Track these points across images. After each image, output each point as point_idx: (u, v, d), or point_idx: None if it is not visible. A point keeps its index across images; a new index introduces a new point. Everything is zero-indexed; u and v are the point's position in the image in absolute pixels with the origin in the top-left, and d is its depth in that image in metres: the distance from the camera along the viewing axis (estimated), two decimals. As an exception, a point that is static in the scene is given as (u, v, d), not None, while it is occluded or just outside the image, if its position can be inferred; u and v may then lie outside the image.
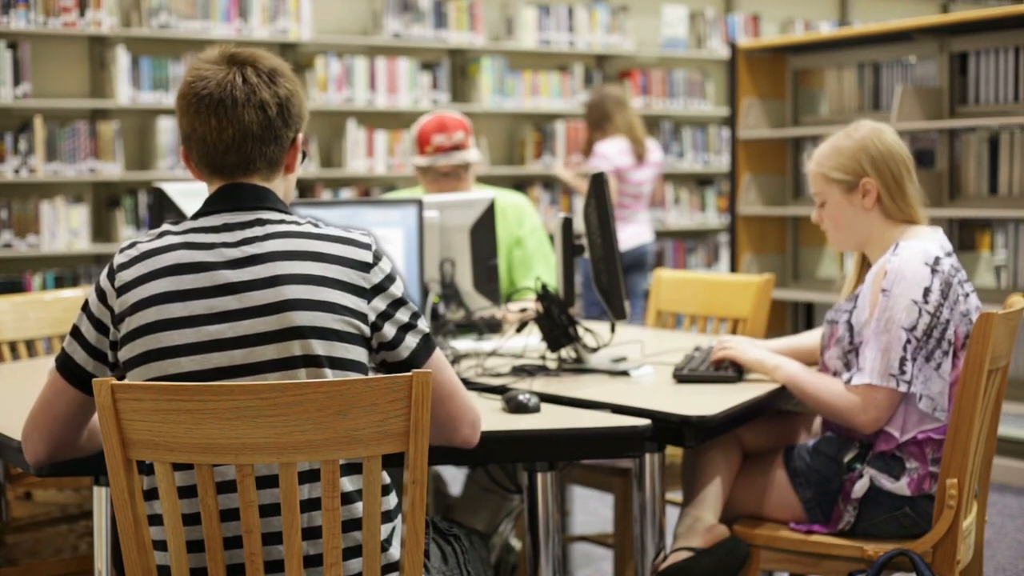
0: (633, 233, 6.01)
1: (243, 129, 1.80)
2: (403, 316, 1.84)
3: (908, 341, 2.36)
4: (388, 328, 1.82)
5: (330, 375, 1.75)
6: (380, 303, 1.81)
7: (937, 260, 2.40)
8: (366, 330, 1.80)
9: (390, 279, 1.83)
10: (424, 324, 1.87)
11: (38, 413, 1.85)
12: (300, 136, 1.89)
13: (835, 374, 2.50)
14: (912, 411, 2.40)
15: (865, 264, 2.59)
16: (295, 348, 1.73)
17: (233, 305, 1.74)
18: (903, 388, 2.36)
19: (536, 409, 2.24)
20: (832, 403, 2.42)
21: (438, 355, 1.87)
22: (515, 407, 2.23)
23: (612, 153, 5.93)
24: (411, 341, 1.84)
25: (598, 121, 6.06)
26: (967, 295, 2.43)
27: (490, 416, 2.20)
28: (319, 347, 1.74)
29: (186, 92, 1.82)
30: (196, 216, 1.84)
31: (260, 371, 1.73)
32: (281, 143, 1.84)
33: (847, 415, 2.40)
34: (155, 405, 1.61)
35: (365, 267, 1.81)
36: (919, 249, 2.41)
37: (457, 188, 3.56)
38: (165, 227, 1.83)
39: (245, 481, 1.62)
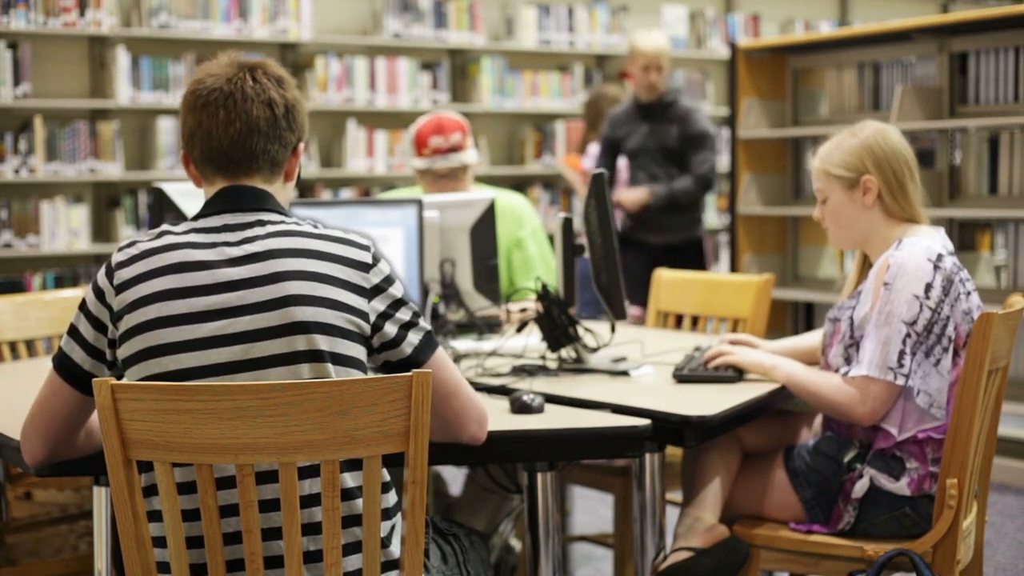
0: None
1: (250, 123, 1.82)
2: (404, 315, 1.85)
3: (908, 335, 2.36)
4: (389, 327, 1.83)
5: (332, 371, 1.75)
6: (380, 304, 1.82)
7: (940, 257, 2.41)
8: (366, 328, 1.80)
9: (389, 281, 1.84)
10: (425, 323, 1.88)
11: (36, 413, 1.85)
12: (301, 146, 1.91)
13: (837, 371, 2.50)
14: (911, 409, 2.40)
15: (866, 264, 2.60)
16: (299, 343, 1.74)
17: (234, 302, 1.75)
18: (900, 381, 2.36)
19: (540, 409, 2.24)
20: (830, 397, 2.42)
21: (440, 353, 1.88)
22: (519, 408, 2.23)
23: None
24: (413, 338, 1.85)
25: (593, 121, 6.05)
26: (969, 293, 2.44)
27: (491, 416, 2.19)
28: (323, 342, 1.75)
29: (194, 89, 1.84)
30: (196, 217, 1.86)
31: (261, 367, 1.74)
32: (284, 145, 1.86)
33: (845, 408, 2.40)
34: (155, 405, 1.61)
35: (364, 267, 1.82)
36: (923, 245, 2.42)
37: (455, 189, 3.56)
38: (165, 227, 1.84)
39: (245, 481, 1.62)
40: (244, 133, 1.82)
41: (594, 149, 5.97)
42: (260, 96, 1.83)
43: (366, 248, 1.84)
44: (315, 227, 1.85)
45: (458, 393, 1.88)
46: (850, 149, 2.51)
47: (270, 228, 1.82)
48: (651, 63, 5.39)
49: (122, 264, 1.80)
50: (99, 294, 1.81)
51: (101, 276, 1.81)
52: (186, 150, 1.88)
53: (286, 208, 1.90)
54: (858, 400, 2.39)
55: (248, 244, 1.79)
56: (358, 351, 1.80)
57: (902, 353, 2.36)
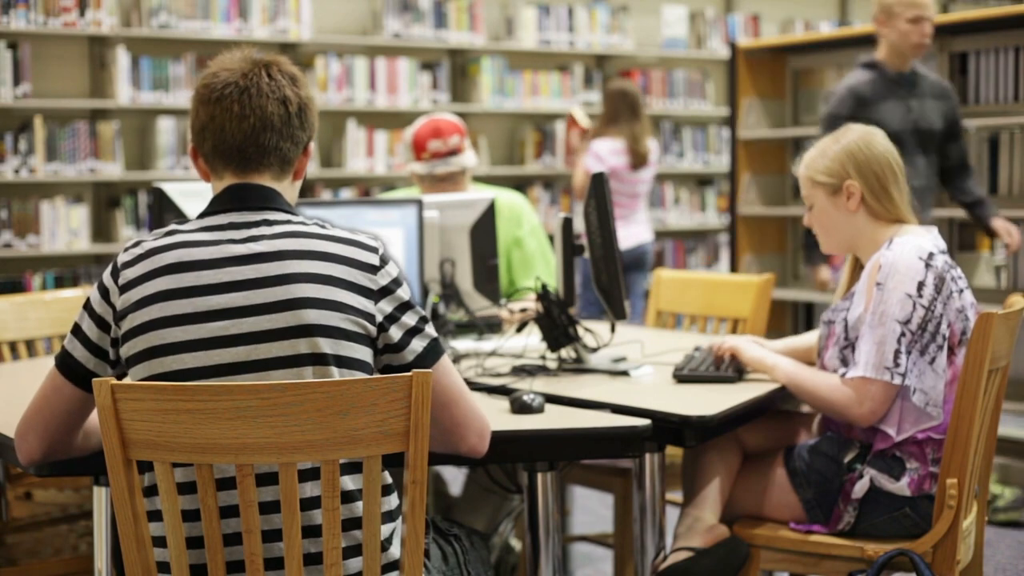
0: (631, 233, 5.99)
1: (264, 118, 1.81)
2: (410, 320, 1.84)
3: (902, 334, 2.37)
4: (394, 331, 1.82)
5: (336, 374, 1.75)
6: (387, 306, 1.82)
7: (931, 255, 2.41)
8: (372, 330, 1.80)
9: (397, 283, 1.83)
10: (431, 329, 1.87)
11: (34, 411, 1.85)
12: (312, 145, 1.91)
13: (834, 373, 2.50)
14: (909, 409, 2.40)
15: (858, 266, 2.61)
16: (302, 346, 1.73)
17: (239, 302, 1.75)
18: (897, 381, 2.36)
19: (540, 409, 2.24)
20: (828, 398, 2.42)
21: (444, 361, 1.86)
22: (519, 408, 2.23)
23: (604, 153, 5.90)
24: (417, 345, 1.84)
25: (611, 116, 5.99)
26: (961, 291, 2.44)
27: (491, 416, 2.19)
28: (326, 345, 1.74)
29: (208, 82, 1.83)
30: (202, 215, 1.85)
31: (265, 368, 1.74)
32: (296, 143, 1.86)
33: (843, 409, 2.41)
34: (155, 405, 1.61)
35: (372, 269, 1.81)
36: (913, 244, 2.43)
37: (454, 191, 3.55)
38: (172, 226, 1.84)
39: (245, 481, 1.62)
40: (257, 129, 1.81)
41: (595, 147, 5.94)
42: (275, 93, 1.82)
43: (374, 250, 1.84)
44: (323, 227, 1.84)
45: (459, 403, 1.86)
46: (833, 155, 2.52)
47: (277, 228, 1.81)
48: (924, 13, 4.28)
49: (127, 263, 1.79)
50: (104, 293, 1.81)
51: (107, 275, 1.81)
52: (196, 144, 1.87)
53: (294, 207, 1.90)
54: (856, 401, 2.39)
55: (254, 243, 1.79)
56: (364, 353, 1.79)
57: (897, 352, 2.36)
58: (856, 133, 2.54)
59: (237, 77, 1.82)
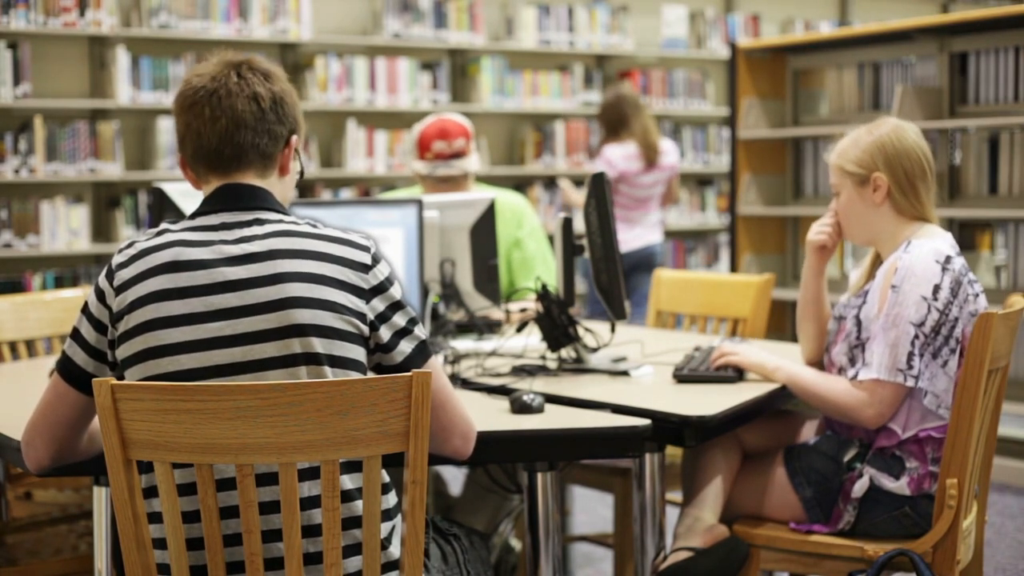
0: (639, 234, 5.97)
1: (236, 118, 1.82)
2: (400, 320, 1.84)
3: (916, 337, 2.36)
4: (384, 331, 1.82)
5: (330, 373, 1.75)
6: (378, 305, 1.82)
7: (948, 259, 2.41)
8: (365, 329, 1.80)
9: (388, 282, 1.84)
10: (421, 331, 1.87)
11: (39, 419, 1.85)
12: (295, 138, 1.90)
13: (840, 370, 2.50)
14: (915, 408, 2.40)
15: (878, 262, 2.60)
16: (295, 346, 1.74)
17: (233, 302, 1.75)
18: (910, 383, 2.36)
19: (540, 409, 2.24)
20: (837, 400, 2.42)
21: (432, 363, 1.87)
22: (519, 408, 2.23)
23: (617, 158, 5.88)
24: (406, 347, 1.84)
25: (613, 124, 5.95)
26: (976, 295, 2.44)
27: (491, 416, 2.20)
28: (319, 345, 1.74)
29: (182, 91, 1.86)
30: (194, 215, 1.85)
31: (260, 369, 1.74)
32: (274, 138, 1.86)
33: (852, 411, 2.40)
34: (155, 405, 1.61)
35: (364, 268, 1.81)
36: (931, 247, 2.42)
37: (456, 192, 3.55)
38: (164, 226, 1.84)
39: (245, 481, 1.62)
40: (231, 129, 1.82)
41: (608, 153, 5.90)
42: (244, 91, 1.83)
43: (366, 249, 1.84)
44: (314, 227, 1.84)
45: (444, 406, 1.85)
46: (864, 146, 2.51)
47: (268, 228, 1.81)
48: None
49: (121, 265, 1.80)
50: (100, 295, 1.81)
51: (102, 278, 1.81)
52: (181, 153, 1.89)
53: (286, 204, 1.90)
54: (866, 403, 2.38)
55: (246, 244, 1.79)
56: (357, 352, 1.80)
57: (911, 355, 2.36)
58: (889, 126, 2.53)
59: (206, 81, 1.83)
